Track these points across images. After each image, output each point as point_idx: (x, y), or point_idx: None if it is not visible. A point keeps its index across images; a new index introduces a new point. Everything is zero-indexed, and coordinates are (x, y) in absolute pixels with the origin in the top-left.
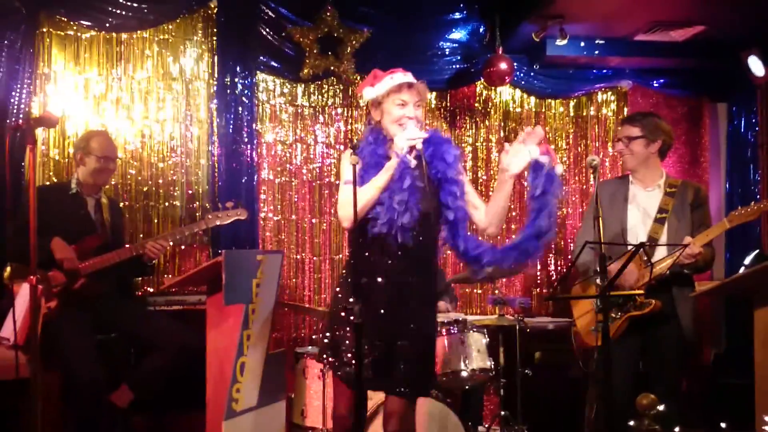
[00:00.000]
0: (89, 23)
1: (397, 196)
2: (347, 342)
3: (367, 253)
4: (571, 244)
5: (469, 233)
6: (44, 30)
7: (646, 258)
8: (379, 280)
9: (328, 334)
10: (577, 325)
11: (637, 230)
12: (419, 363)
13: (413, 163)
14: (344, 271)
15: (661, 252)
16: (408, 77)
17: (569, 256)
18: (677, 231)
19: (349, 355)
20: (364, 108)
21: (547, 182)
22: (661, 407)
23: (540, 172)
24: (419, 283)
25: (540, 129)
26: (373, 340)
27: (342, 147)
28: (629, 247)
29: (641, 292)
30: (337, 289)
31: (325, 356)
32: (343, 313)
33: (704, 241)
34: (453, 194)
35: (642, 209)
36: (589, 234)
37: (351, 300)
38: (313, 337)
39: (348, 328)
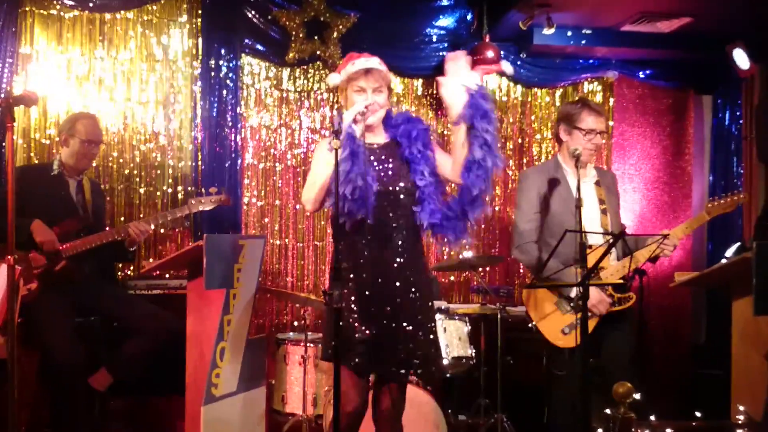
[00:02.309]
0: (72, 2)
1: (341, 166)
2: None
3: (346, 237)
4: None
5: (436, 206)
6: (27, 9)
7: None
8: (361, 261)
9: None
10: (541, 330)
11: (592, 222)
12: (417, 346)
13: (358, 131)
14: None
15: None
16: (370, 62)
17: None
18: (615, 219)
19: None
20: None
21: (475, 113)
22: (637, 396)
23: (468, 104)
24: (401, 263)
25: (461, 53)
26: (365, 324)
27: (327, 132)
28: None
29: (623, 281)
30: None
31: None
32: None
33: (686, 233)
34: (419, 173)
35: (586, 201)
36: (529, 232)
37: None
38: (295, 323)
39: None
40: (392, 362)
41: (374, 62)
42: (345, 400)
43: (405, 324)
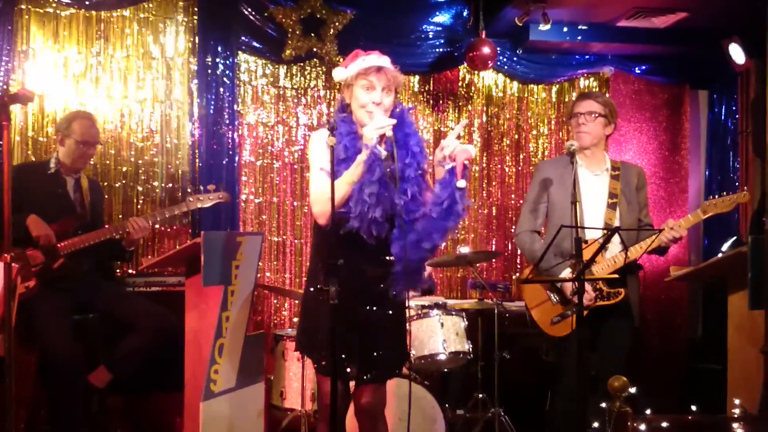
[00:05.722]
0: (68, 0)
1: (367, 188)
2: (318, 334)
3: (332, 242)
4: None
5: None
6: (23, 7)
7: (620, 245)
8: (339, 263)
9: (300, 327)
10: (533, 317)
11: (594, 216)
12: (388, 349)
13: (383, 154)
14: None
15: (614, 238)
16: (381, 60)
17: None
18: (628, 215)
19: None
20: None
21: (457, 197)
22: (632, 390)
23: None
24: (378, 270)
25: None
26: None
27: (325, 127)
28: (587, 231)
29: (615, 276)
30: (306, 279)
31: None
32: (317, 296)
33: (684, 227)
34: (403, 191)
35: (593, 194)
36: (529, 220)
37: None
38: (294, 319)
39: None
40: (361, 364)
41: (386, 60)
42: (321, 393)
43: (375, 329)
